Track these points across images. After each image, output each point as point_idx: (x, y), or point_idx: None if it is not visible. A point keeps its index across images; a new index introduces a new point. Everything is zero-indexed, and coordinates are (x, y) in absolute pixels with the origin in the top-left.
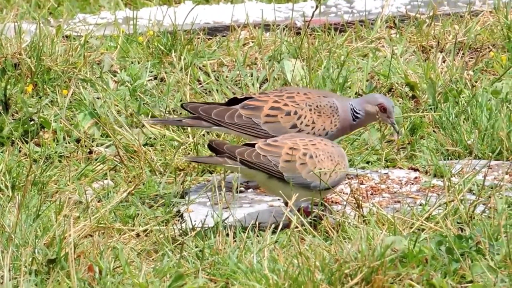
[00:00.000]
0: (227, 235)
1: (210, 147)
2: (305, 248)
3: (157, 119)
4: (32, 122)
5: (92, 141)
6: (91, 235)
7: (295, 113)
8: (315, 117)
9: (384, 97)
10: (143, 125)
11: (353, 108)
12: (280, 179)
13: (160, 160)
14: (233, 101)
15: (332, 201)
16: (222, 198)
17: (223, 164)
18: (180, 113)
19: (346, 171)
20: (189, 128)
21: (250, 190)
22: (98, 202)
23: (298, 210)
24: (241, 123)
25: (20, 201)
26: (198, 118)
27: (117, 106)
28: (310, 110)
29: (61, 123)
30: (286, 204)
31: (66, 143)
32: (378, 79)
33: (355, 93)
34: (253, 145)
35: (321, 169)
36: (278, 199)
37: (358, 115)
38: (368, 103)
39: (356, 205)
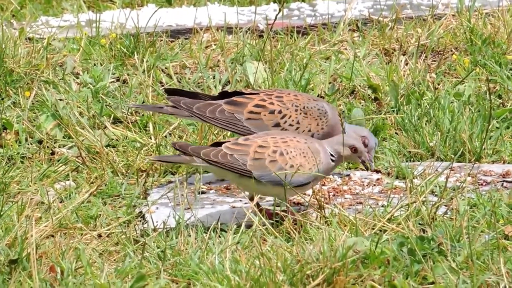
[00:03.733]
0: (189, 235)
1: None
2: (267, 249)
3: (138, 104)
4: None
5: (55, 142)
6: (53, 236)
7: (280, 112)
8: (300, 118)
9: (368, 132)
10: (105, 127)
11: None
12: (251, 177)
13: (122, 161)
14: (224, 95)
15: (294, 202)
16: (184, 199)
17: (191, 163)
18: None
19: (308, 172)
20: (151, 129)
21: (212, 191)
22: (60, 202)
23: (260, 211)
24: (223, 119)
25: None
26: (179, 107)
27: (80, 107)
28: (296, 110)
29: (23, 125)
30: (251, 199)
31: (28, 144)
32: (340, 82)
33: (318, 95)
34: (221, 144)
35: (292, 165)
36: (240, 200)
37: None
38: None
39: (318, 206)
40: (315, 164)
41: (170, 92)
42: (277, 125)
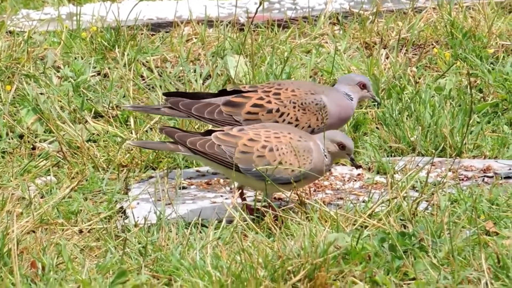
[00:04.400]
0: (170, 231)
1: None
2: (248, 244)
3: (136, 105)
4: None
5: (35, 137)
6: (34, 231)
7: (277, 110)
8: (299, 115)
9: (362, 75)
10: (86, 121)
11: (346, 93)
12: (237, 170)
13: (103, 156)
14: (223, 93)
15: (275, 198)
16: (165, 194)
17: (175, 151)
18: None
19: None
20: (132, 124)
21: (193, 186)
22: (41, 198)
23: (244, 204)
24: (221, 120)
25: None
26: (177, 108)
27: (60, 101)
28: (294, 107)
29: (4, 119)
30: (240, 192)
31: (9, 139)
32: (321, 75)
33: None
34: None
35: (281, 163)
36: (221, 196)
37: (352, 97)
38: (348, 85)
39: (299, 202)
40: (305, 163)
41: (168, 94)
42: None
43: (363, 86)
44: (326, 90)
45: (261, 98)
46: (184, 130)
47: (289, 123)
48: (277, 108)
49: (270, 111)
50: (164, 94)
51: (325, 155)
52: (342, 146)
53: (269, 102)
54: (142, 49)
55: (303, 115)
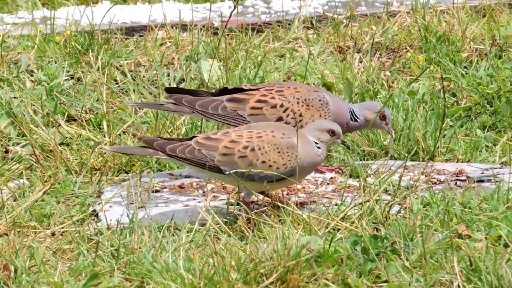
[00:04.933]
0: (143, 234)
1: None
2: (221, 247)
3: (139, 102)
4: None
5: (8, 140)
6: (6, 234)
7: (281, 105)
8: (303, 110)
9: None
10: (59, 125)
11: (353, 111)
12: (220, 172)
13: (76, 159)
14: (224, 91)
15: (253, 202)
16: (137, 197)
17: (155, 156)
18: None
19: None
20: (105, 127)
21: (165, 189)
22: (14, 201)
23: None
24: (225, 115)
25: None
26: (181, 104)
27: (34, 105)
28: (298, 103)
29: None
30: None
31: None
32: (295, 79)
33: None
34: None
35: (264, 161)
36: (194, 199)
37: (358, 120)
38: (368, 110)
39: (271, 205)
40: (290, 159)
41: (170, 90)
42: (279, 119)
43: (383, 117)
44: (329, 93)
45: (264, 95)
46: (163, 138)
47: (292, 118)
48: (281, 103)
49: (274, 106)
50: (166, 89)
51: (318, 147)
52: (332, 132)
53: (273, 97)
54: (116, 53)
55: (307, 110)
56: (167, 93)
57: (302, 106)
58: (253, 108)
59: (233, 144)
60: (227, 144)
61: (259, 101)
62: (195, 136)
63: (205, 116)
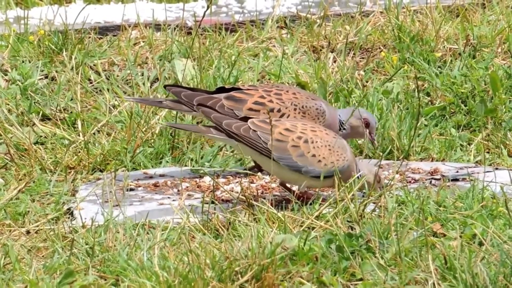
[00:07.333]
0: (118, 232)
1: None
2: (196, 245)
3: (137, 98)
4: None
5: None
6: None
7: (279, 110)
8: (299, 117)
9: (368, 113)
10: (34, 124)
11: (340, 120)
12: (270, 158)
13: (50, 158)
14: (221, 90)
15: (222, 199)
16: (112, 196)
17: (206, 134)
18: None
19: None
20: (79, 126)
21: (140, 188)
22: None
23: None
24: (223, 113)
25: None
26: (179, 102)
27: (8, 104)
28: (295, 109)
29: None
30: (282, 184)
31: None
32: (269, 79)
33: None
34: (246, 119)
35: (314, 155)
36: (168, 197)
37: (345, 128)
38: (353, 116)
39: (246, 203)
40: (339, 159)
41: (169, 87)
42: None
43: (367, 125)
44: (326, 102)
45: (262, 97)
46: (220, 112)
47: None
48: (279, 108)
49: (271, 110)
50: (165, 86)
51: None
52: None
53: (271, 101)
54: (89, 52)
55: (303, 118)
56: (165, 89)
57: (299, 113)
58: (250, 109)
59: (288, 132)
60: (282, 131)
61: (257, 103)
62: (246, 117)
63: (203, 113)
